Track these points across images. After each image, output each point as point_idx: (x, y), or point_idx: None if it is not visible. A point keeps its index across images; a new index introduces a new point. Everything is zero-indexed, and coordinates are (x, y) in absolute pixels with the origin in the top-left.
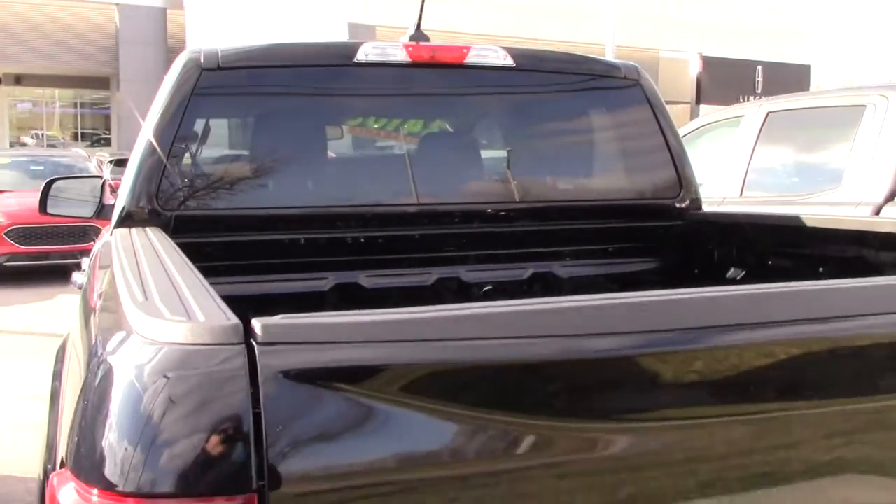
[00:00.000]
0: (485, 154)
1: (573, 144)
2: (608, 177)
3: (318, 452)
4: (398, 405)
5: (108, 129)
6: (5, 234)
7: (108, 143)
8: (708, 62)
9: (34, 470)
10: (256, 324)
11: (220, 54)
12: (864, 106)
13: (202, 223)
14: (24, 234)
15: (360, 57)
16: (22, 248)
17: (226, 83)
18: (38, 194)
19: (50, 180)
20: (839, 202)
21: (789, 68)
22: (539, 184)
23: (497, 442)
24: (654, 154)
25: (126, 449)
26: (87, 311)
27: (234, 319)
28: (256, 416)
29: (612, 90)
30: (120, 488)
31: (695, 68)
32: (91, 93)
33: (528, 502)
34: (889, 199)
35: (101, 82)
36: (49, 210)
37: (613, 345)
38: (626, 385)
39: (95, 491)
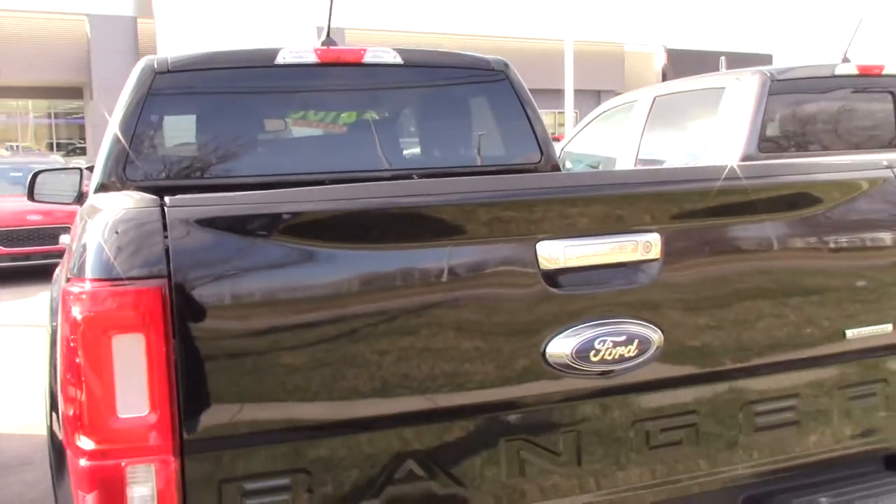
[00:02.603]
0: (382, 133)
1: (454, 123)
2: (483, 148)
3: (201, 261)
4: (254, 238)
5: (82, 138)
6: None
7: (83, 151)
8: (672, 54)
9: (28, 427)
10: (167, 199)
11: (169, 60)
12: (724, 87)
13: (157, 191)
14: (6, 236)
15: (280, 59)
16: (5, 250)
17: (174, 83)
18: (19, 199)
19: (35, 172)
20: None
21: (752, 58)
22: (427, 155)
23: (333, 263)
24: (519, 130)
25: (102, 254)
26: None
27: (155, 197)
28: (164, 242)
29: (484, 80)
30: (98, 276)
31: (660, 61)
32: (65, 103)
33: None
34: (741, 160)
35: (75, 92)
36: (35, 198)
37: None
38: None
39: (87, 280)
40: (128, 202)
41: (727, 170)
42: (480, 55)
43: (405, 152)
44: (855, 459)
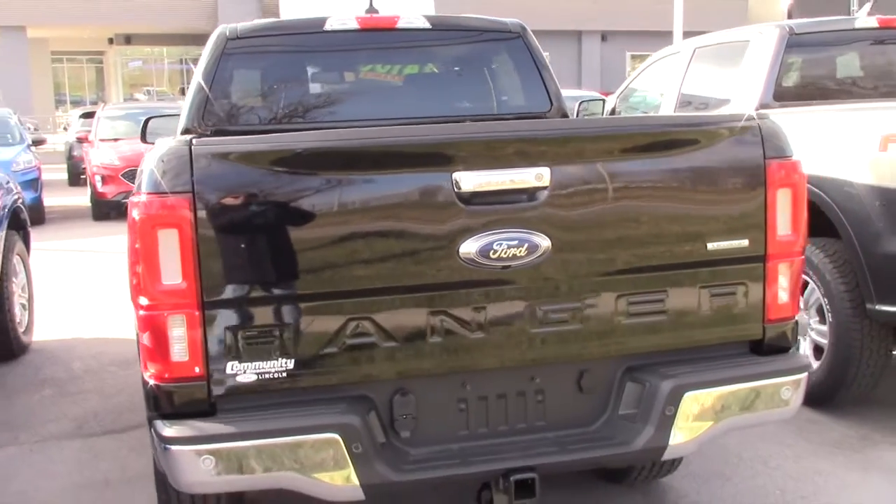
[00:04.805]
0: (417, 86)
1: (477, 78)
2: (502, 98)
3: (215, 181)
4: (252, 167)
5: None
6: (121, 175)
7: None
8: None
9: None
10: (193, 140)
11: (238, 28)
12: (748, 40)
13: (229, 134)
14: (134, 175)
15: (327, 26)
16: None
17: (243, 45)
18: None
19: (148, 117)
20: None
21: None
22: (453, 104)
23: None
24: (533, 84)
25: (152, 176)
26: None
27: (188, 139)
28: (191, 169)
29: (503, 40)
30: (149, 191)
31: (785, 0)
32: (196, 49)
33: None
34: (755, 110)
35: (205, 39)
36: (147, 140)
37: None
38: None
39: (143, 193)
40: (171, 143)
41: (603, 121)
42: (500, 19)
43: (435, 102)
44: (721, 344)
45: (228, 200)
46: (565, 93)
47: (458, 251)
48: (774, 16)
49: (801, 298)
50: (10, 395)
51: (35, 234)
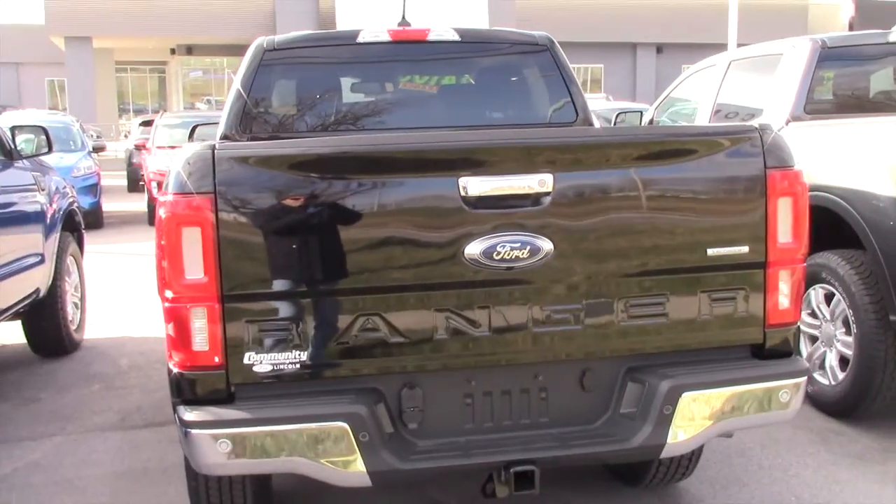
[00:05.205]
0: (446, 97)
1: (504, 88)
2: (529, 109)
3: (235, 183)
4: (269, 170)
5: None
6: None
7: None
8: (860, 5)
9: None
10: (217, 144)
11: (275, 40)
12: (782, 53)
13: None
14: None
15: (360, 39)
16: None
17: (280, 56)
18: None
19: (195, 125)
20: None
21: None
22: (481, 113)
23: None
24: (559, 95)
25: (179, 177)
26: None
27: (213, 143)
28: (213, 171)
29: (531, 53)
30: (175, 191)
31: (847, 12)
32: None
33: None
34: (787, 122)
35: None
36: None
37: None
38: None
39: (170, 193)
40: (197, 147)
41: (606, 130)
42: (528, 32)
43: (462, 113)
44: (723, 348)
45: (248, 201)
46: (614, 105)
47: (462, 252)
48: (836, 28)
49: (828, 309)
50: (61, 388)
51: (92, 237)
